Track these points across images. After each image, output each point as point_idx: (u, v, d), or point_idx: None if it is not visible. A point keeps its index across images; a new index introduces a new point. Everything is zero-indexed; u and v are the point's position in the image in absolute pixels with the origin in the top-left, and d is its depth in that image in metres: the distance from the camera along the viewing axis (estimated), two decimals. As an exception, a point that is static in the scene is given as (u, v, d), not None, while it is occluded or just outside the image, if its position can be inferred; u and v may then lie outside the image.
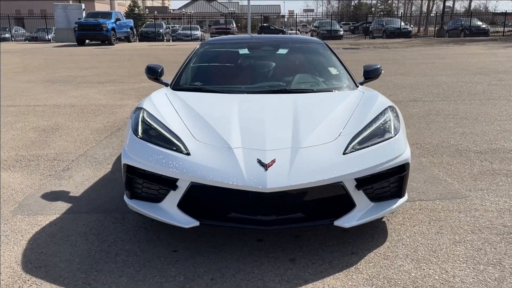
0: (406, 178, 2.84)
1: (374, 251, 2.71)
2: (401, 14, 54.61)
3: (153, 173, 2.66)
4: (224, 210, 2.60)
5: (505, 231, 2.93)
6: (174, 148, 2.70)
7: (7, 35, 32.94)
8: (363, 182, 2.64)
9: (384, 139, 2.80)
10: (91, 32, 24.17)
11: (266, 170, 2.49)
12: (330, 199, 2.63)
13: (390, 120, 2.96)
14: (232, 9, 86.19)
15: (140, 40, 31.19)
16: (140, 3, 76.12)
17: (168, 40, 33.04)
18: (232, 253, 2.70)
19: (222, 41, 4.59)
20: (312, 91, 3.56)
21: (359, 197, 2.65)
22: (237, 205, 2.57)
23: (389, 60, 15.19)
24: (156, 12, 75.03)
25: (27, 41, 32.44)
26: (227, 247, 2.77)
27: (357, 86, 3.75)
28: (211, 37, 33.93)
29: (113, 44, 24.53)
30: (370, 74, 3.95)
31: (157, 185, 2.68)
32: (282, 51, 4.25)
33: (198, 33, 33.97)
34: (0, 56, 15.78)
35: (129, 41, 28.02)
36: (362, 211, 2.68)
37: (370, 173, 2.63)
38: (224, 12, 75.98)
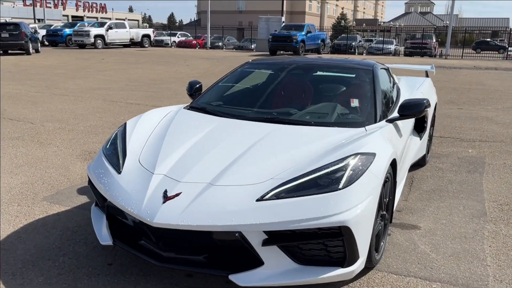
0: (349, 244, 2.28)
1: (281, 323, 2.26)
2: None
3: (93, 185, 2.80)
4: (136, 236, 2.55)
5: None
6: (114, 166, 2.77)
7: (220, 43, 37.86)
8: (278, 238, 2.24)
9: (322, 191, 2.30)
10: (282, 43, 25.77)
11: (164, 203, 2.34)
12: (233, 249, 2.31)
13: (346, 170, 2.40)
14: (448, 22, 79.84)
15: (331, 53, 31.73)
16: (349, 15, 77.33)
17: (360, 53, 32.72)
18: (148, 282, 2.62)
19: (262, 62, 4.39)
20: (310, 124, 3.12)
21: (271, 254, 2.26)
22: (143, 234, 2.49)
23: None
24: (364, 24, 75.42)
25: (234, 50, 36.58)
26: (152, 275, 2.70)
27: (376, 122, 3.14)
28: (404, 52, 32.12)
29: (299, 55, 25.63)
30: (406, 110, 3.23)
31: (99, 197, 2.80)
32: (318, 76, 3.84)
33: (392, 47, 32.59)
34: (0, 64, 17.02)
35: (318, 53, 28.82)
36: (274, 271, 2.28)
37: (285, 229, 2.21)
38: (438, 25, 71.09)
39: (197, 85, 4.07)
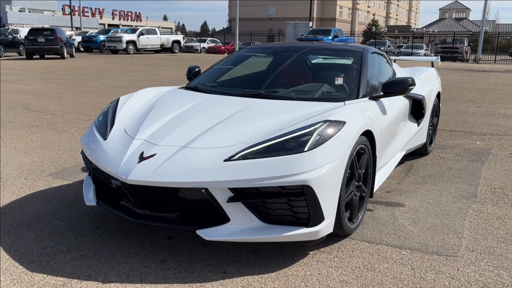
0: (312, 203, 2.35)
1: (248, 276, 2.36)
2: None
3: (83, 152, 3.00)
4: (117, 198, 2.72)
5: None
6: (101, 134, 2.95)
7: (247, 49, 38.31)
8: (243, 195, 2.35)
9: (288, 153, 2.39)
10: (308, 48, 25.84)
11: (139, 162, 2.50)
12: (202, 206, 2.44)
13: (312, 134, 2.48)
14: (486, 28, 77.62)
15: (359, 57, 31.49)
16: (381, 22, 76.45)
17: (389, 58, 32.32)
18: (129, 242, 2.77)
19: (258, 47, 4.52)
20: (292, 99, 3.22)
21: (238, 211, 2.37)
22: (123, 195, 2.64)
23: None
24: (396, 30, 74.46)
25: (262, 54, 36.90)
26: (135, 237, 2.84)
27: (357, 99, 3.20)
28: (435, 56, 31.47)
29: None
30: (390, 88, 3.28)
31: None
32: (310, 59, 3.94)
33: (422, 51, 32.05)
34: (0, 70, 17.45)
35: (346, 57, 28.72)
36: (239, 228, 2.39)
37: (249, 186, 2.31)
38: (474, 31, 69.35)
39: (196, 69, 4.22)
